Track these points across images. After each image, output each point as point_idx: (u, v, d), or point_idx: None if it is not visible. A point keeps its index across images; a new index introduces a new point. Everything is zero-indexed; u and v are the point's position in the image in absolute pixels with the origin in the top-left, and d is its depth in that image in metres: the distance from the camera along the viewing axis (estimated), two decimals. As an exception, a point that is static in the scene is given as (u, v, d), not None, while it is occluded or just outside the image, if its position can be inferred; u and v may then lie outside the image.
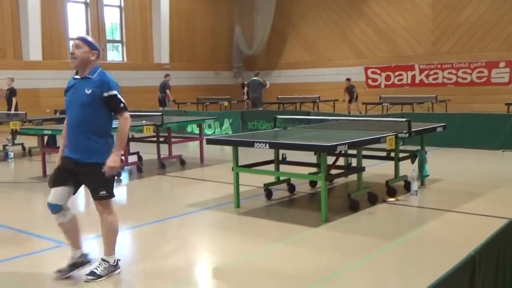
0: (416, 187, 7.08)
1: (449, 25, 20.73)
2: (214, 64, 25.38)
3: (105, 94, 3.98)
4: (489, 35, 19.80)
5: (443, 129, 7.86)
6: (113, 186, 4.20)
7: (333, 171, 6.73)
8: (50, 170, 7.78)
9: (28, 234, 5.60)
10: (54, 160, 4.41)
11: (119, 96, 4.03)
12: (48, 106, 17.98)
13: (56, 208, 4.13)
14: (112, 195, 4.19)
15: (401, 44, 21.85)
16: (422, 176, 7.57)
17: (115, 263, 4.26)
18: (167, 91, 18.81)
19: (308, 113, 14.30)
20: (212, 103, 21.58)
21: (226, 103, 21.02)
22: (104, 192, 4.10)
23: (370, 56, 22.71)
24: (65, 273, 4.19)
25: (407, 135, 6.74)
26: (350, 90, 19.41)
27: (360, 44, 22.94)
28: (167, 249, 5.13)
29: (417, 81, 21.82)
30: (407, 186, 7.27)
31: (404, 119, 7.13)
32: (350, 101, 19.38)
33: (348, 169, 7.06)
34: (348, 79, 19.58)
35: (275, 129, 7.93)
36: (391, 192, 6.97)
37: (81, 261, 4.28)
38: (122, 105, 4.05)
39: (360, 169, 6.61)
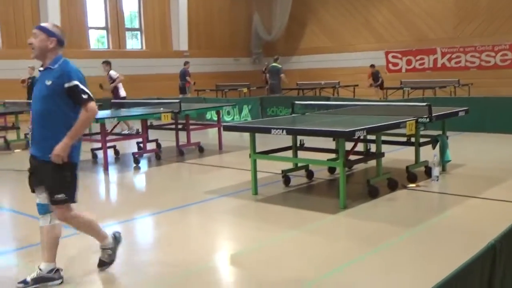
0: (437, 173, 6.97)
1: (471, 7, 20.28)
2: (233, 50, 25.28)
3: (66, 85, 3.64)
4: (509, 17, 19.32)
5: (465, 114, 7.69)
6: (74, 189, 3.81)
7: (352, 157, 6.63)
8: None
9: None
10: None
11: (81, 86, 3.67)
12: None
13: (42, 209, 3.85)
14: (71, 199, 3.80)
15: (423, 28, 21.47)
16: (443, 161, 7.44)
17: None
18: (187, 78, 18.78)
19: (327, 99, 14.15)
20: (231, 89, 21.52)
21: (245, 90, 20.94)
22: (61, 196, 3.72)
23: (391, 40, 22.38)
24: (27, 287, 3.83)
25: (427, 120, 6.60)
26: (376, 76, 19.06)
27: (381, 28, 22.61)
28: (184, 236, 5.11)
29: (439, 65, 21.44)
30: (428, 172, 7.15)
31: (424, 104, 6.98)
32: (379, 87, 18.98)
33: (367, 155, 6.95)
34: (372, 66, 19.24)
35: (293, 115, 7.83)
36: (412, 178, 6.86)
37: (49, 277, 3.88)
38: (85, 96, 3.67)
39: (379, 155, 6.51)
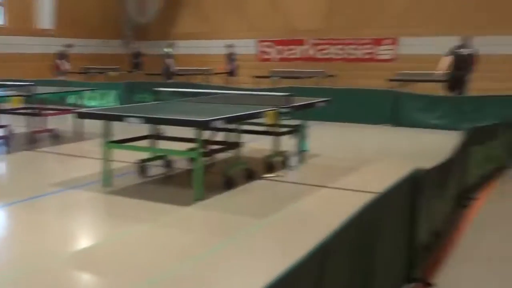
0: (295, 163, 7.08)
1: (340, 1, 21.07)
2: (102, 32, 24.12)
3: None
4: (377, 13, 20.36)
5: (326, 104, 7.87)
6: None
7: (211, 147, 6.50)
8: None
9: None
10: None
11: None
12: None
13: None
14: None
15: (294, 18, 21.94)
16: (301, 151, 7.56)
17: None
18: (62, 61, 17.82)
19: (196, 86, 13.93)
20: (99, 73, 20.53)
21: (113, 73, 20.08)
22: None
23: (264, 29, 22.63)
24: None
25: (287, 110, 6.65)
26: (230, 58, 18.98)
27: (254, 17, 22.76)
28: (15, 235, 4.66)
29: (308, 55, 22.07)
30: (286, 162, 7.23)
31: (285, 94, 7.01)
32: (231, 73, 18.93)
33: (225, 145, 6.85)
34: (230, 46, 19.16)
35: (154, 102, 7.54)
36: (270, 168, 6.90)
37: None
38: None
39: (236, 145, 6.44)
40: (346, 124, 11.49)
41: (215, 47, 22.91)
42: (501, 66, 17.73)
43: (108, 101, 14.89)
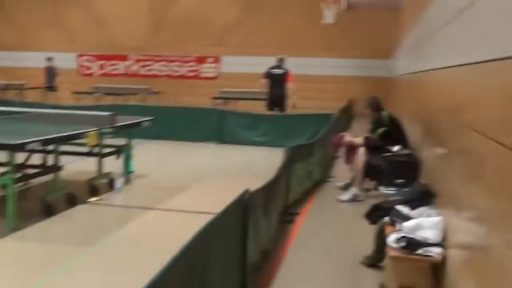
0: (120, 184, 6.83)
1: (164, 17, 21.05)
2: None
3: None
4: (200, 31, 20.73)
5: (151, 123, 7.72)
6: None
7: (26, 171, 5.95)
8: None
9: None
10: None
11: None
12: None
13: None
14: None
15: (117, 33, 21.39)
16: (127, 172, 7.32)
17: None
18: None
19: (6, 103, 12.79)
20: None
21: None
22: None
23: (85, 43, 21.70)
24: None
25: (111, 130, 6.37)
26: (50, 72, 17.81)
27: (74, 29, 21.71)
28: None
29: (131, 71, 21.67)
30: (112, 184, 6.93)
31: (109, 113, 6.71)
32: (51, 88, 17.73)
33: (43, 169, 6.33)
34: (49, 58, 18.03)
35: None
36: (93, 191, 6.53)
37: None
38: None
39: (55, 168, 5.98)
40: (173, 142, 11.33)
41: (32, 60, 21.40)
42: (326, 86, 19.21)
43: None
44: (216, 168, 9.06)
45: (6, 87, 18.40)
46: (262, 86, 12.41)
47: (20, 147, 4.94)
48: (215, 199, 6.61)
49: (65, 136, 5.67)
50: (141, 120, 7.49)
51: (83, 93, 17.63)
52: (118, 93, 17.35)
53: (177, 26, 20.89)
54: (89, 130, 5.99)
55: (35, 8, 21.81)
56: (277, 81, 12.13)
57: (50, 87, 17.87)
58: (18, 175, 5.68)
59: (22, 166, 5.67)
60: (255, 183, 3.92)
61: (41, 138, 5.26)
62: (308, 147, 6.87)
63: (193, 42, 20.84)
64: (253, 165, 9.34)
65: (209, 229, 2.85)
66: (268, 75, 12.32)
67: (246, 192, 3.55)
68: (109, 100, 16.12)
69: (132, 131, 7.45)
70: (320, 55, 19.53)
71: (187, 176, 8.14)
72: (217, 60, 21.03)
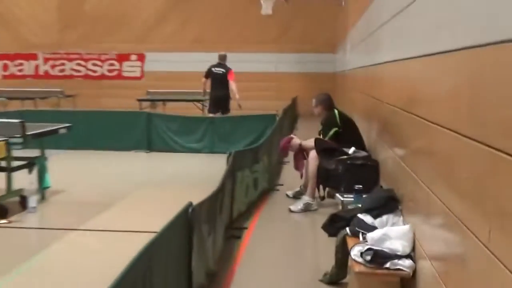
0: (35, 203, 6.52)
1: (76, 13, 20.54)
2: None
3: None
4: (119, 26, 20.37)
5: (67, 131, 7.44)
6: None
7: None
8: None
9: None
10: None
11: None
12: None
13: None
14: None
15: (23, 30, 20.69)
16: (42, 188, 7.03)
17: None
18: None
19: None
20: None
21: None
22: None
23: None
24: None
25: (21, 140, 6.07)
26: None
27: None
28: None
29: (41, 72, 21.00)
30: (24, 203, 6.59)
31: (18, 120, 6.38)
32: None
33: None
34: None
35: None
36: (2, 212, 6.19)
37: None
38: None
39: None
40: (94, 152, 11.02)
41: None
42: (265, 84, 19.28)
43: None
44: (146, 179, 8.88)
45: None
46: (204, 87, 12.56)
47: None
48: (147, 216, 6.50)
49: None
50: (56, 127, 7.20)
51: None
52: (26, 97, 16.67)
53: (92, 22, 20.46)
54: (-5, 140, 5.67)
55: None
56: (219, 81, 12.27)
57: None
58: None
59: None
60: (193, 195, 3.80)
61: None
62: (253, 152, 6.79)
63: (112, 39, 20.46)
64: (189, 175, 9.23)
65: (149, 251, 2.71)
66: (210, 74, 12.41)
67: (190, 205, 3.42)
68: (16, 106, 15.51)
69: (46, 140, 7.16)
70: (258, 49, 19.60)
71: (113, 190, 7.90)
72: (141, 57, 20.76)
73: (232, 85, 12.26)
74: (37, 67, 21.05)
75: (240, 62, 18.63)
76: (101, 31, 20.47)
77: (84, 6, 20.48)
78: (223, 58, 12.57)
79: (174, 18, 20.14)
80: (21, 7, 20.66)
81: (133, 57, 20.75)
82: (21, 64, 21.06)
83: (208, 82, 12.42)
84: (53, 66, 21.02)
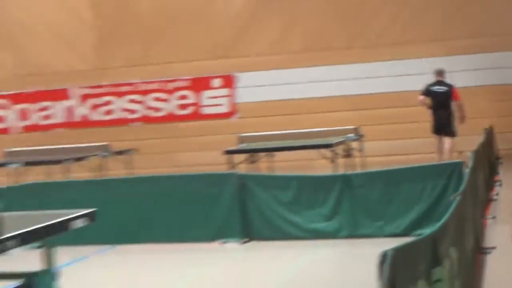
0: None
1: (122, 26, 20.51)
2: None
3: None
4: (189, 37, 20.09)
5: (89, 222, 6.43)
6: None
7: None
8: None
9: None
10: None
11: None
12: None
13: None
14: None
15: (46, 55, 20.89)
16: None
17: None
18: None
19: None
20: None
21: None
22: None
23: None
24: None
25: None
26: None
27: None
28: None
29: (77, 117, 20.91)
30: None
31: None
32: None
33: None
34: None
35: None
36: None
37: None
38: None
39: None
40: (150, 248, 10.86)
41: None
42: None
43: None
44: None
45: None
46: (424, 101, 15.39)
47: None
48: None
49: None
50: (67, 217, 6.21)
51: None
52: (51, 161, 16.47)
53: (143, 34, 20.25)
54: None
55: None
56: (441, 101, 15.19)
57: None
58: None
59: None
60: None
61: None
62: (429, 246, 5.55)
63: (179, 57, 20.07)
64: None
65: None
66: (429, 94, 15.33)
67: None
68: (36, 175, 15.64)
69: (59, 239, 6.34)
70: (411, 53, 18.58)
71: None
72: (228, 81, 20.10)
73: (458, 107, 15.18)
74: (70, 110, 21.00)
75: (390, 77, 17.64)
76: (158, 47, 20.19)
77: (133, 14, 20.38)
78: (441, 73, 15.35)
79: (273, 20, 19.47)
80: (41, 21, 20.84)
81: (216, 82, 20.17)
82: (46, 108, 21.11)
83: (426, 99, 15.24)
84: (94, 107, 20.88)
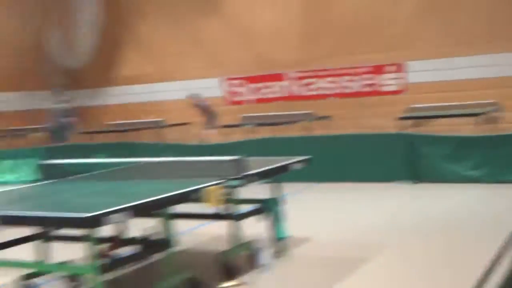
0: (268, 259, 5.84)
1: (322, 22, 20.09)
2: (23, 82, 22.80)
3: None
4: (370, 34, 19.30)
5: (304, 164, 6.43)
6: None
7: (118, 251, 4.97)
8: None
9: None
10: None
11: None
12: None
13: None
14: None
15: (267, 48, 20.90)
16: (277, 239, 6.23)
17: None
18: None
19: (127, 146, 13.46)
20: (19, 135, 19.15)
21: (37, 134, 18.99)
22: None
23: (229, 63, 21.53)
24: None
25: (238, 181, 5.19)
26: (204, 108, 17.92)
27: (216, 50, 21.68)
28: None
29: (289, 93, 20.95)
30: (255, 259, 5.86)
31: (235, 157, 5.44)
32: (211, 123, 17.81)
33: (145, 247, 5.20)
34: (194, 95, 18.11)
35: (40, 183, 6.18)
36: (228, 271, 5.48)
37: None
38: None
39: (164, 245, 4.82)
40: (342, 185, 10.43)
41: (167, 91, 21.84)
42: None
43: (21, 175, 13.52)
44: (411, 222, 7.64)
45: (140, 127, 18.96)
46: None
47: (93, 221, 3.82)
48: (415, 280, 5.19)
49: (164, 199, 4.50)
50: (289, 162, 6.19)
51: (230, 126, 17.26)
52: (274, 123, 16.74)
53: (339, 31, 19.81)
54: (206, 185, 4.80)
55: (172, 30, 22.22)
56: None
57: (209, 121, 18.00)
58: (105, 260, 4.61)
59: (112, 246, 4.60)
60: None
61: (127, 205, 4.11)
62: None
63: (363, 50, 19.51)
64: (467, 215, 7.93)
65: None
66: None
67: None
68: (263, 133, 15.78)
69: (280, 177, 6.29)
70: None
71: (367, 239, 6.88)
72: (399, 68, 19.44)
73: None
74: (285, 88, 21.06)
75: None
76: (350, 41, 19.73)
77: (330, 15, 19.95)
78: None
79: (435, 17, 18.50)
80: (262, 22, 20.86)
81: (390, 68, 19.56)
82: (269, 87, 21.27)
83: None
84: (303, 86, 20.81)
